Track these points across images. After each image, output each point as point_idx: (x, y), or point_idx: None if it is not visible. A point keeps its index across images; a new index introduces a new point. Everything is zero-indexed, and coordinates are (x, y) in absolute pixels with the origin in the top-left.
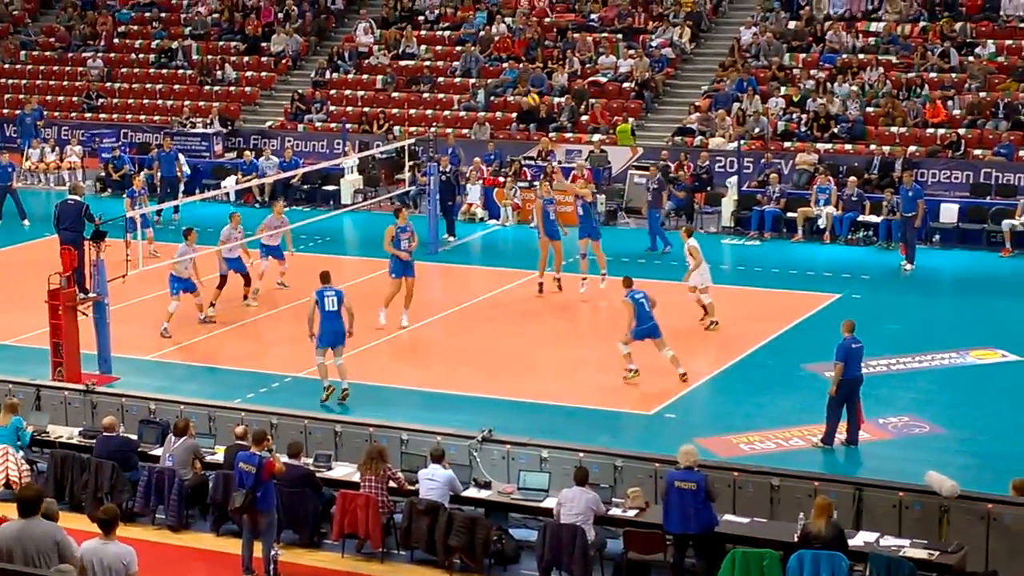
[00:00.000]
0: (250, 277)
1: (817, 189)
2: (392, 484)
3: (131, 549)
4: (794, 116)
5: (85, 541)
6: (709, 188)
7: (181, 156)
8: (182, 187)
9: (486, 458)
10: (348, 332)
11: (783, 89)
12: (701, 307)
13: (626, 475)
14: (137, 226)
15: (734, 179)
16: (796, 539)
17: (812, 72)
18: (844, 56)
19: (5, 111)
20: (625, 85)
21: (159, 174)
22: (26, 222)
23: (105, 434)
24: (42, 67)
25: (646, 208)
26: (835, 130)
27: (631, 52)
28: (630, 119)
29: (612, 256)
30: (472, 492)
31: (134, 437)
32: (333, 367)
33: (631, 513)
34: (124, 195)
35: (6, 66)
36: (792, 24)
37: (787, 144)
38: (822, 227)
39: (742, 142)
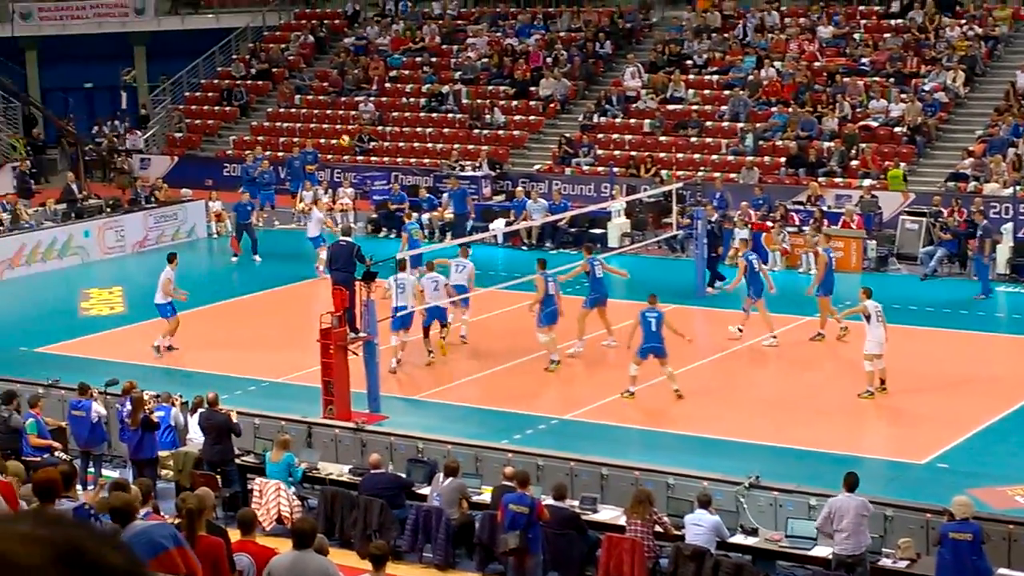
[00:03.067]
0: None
1: None
2: (658, 528)
3: None
4: None
5: None
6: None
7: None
8: (469, 225)
9: (753, 504)
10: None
11: None
12: (879, 379)
13: (897, 525)
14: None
15: (1009, 226)
16: None
17: None
18: None
19: (280, 154)
20: (897, 129)
21: (447, 211)
22: (257, 258)
23: (372, 471)
24: (316, 111)
25: (973, 252)
26: None
27: (903, 96)
28: (901, 164)
29: (900, 303)
30: (739, 539)
31: (403, 475)
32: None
33: (902, 564)
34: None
35: (281, 110)
36: None
37: None
38: None
39: (1018, 188)
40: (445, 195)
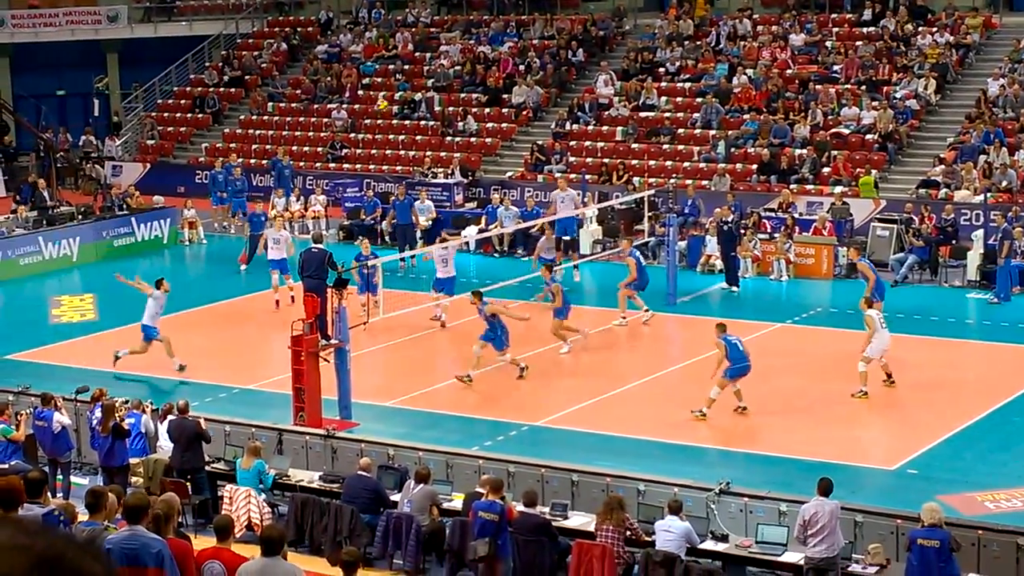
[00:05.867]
0: None
1: None
2: (629, 534)
3: None
4: None
5: None
6: (954, 241)
7: (419, 204)
8: (419, 234)
9: (723, 511)
10: None
11: None
12: (886, 373)
13: (867, 531)
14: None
15: (980, 232)
16: None
17: None
18: None
19: (252, 161)
20: (868, 137)
21: (395, 222)
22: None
23: (360, 473)
24: (288, 118)
25: (1002, 259)
26: None
27: (875, 104)
28: (873, 171)
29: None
30: (709, 545)
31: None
32: None
33: (871, 570)
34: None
35: (253, 117)
36: None
37: None
38: None
39: (988, 195)
40: (391, 205)
